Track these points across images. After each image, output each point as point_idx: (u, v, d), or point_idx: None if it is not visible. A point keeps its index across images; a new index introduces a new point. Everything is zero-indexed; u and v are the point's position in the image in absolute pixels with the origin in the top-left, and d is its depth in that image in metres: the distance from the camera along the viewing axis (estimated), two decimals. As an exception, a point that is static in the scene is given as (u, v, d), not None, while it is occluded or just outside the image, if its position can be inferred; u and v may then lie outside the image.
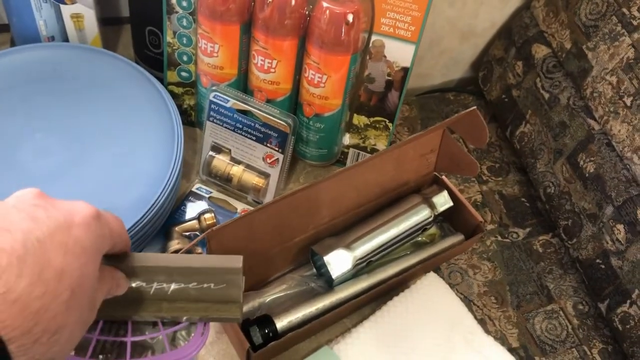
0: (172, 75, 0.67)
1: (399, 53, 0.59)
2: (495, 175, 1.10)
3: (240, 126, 0.61)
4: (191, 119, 0.71)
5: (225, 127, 0.62)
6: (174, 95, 0.68)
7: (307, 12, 0.57)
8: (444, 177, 0.63)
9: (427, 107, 1.19)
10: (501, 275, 0.97)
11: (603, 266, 0.89)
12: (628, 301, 0.85)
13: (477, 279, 0.96)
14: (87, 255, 0.29)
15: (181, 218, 0.63)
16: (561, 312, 0.93)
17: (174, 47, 0.65)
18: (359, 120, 0.66)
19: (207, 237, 0.47)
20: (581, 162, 0.94)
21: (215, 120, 0.62)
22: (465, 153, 0.60)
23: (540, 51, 1.06)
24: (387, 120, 0.65)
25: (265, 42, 0.57)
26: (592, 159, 0.93)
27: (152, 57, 0.70)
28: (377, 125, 0.66)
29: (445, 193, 0.61)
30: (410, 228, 0.59)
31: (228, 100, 0.60)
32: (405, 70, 0.61)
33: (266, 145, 0.61)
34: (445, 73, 1.24)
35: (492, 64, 1.16)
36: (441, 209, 0.61)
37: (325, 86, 0.59)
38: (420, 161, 0.61)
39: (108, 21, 0.78)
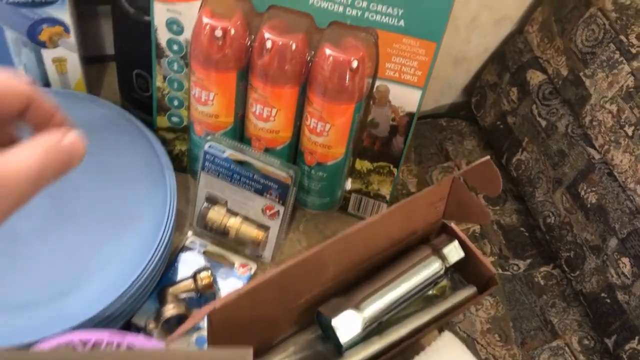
0: (162, 121, 0.64)
1: (405, 98, 0.56)
2: (493, 204, 1.07)
3: (238, 177, 0.57)
4: (183, 165, 0.67)
5: (221, 178, 0.58)
6: (164, 141, 0.64)
7: (308, 58, 0.53)
8: (453, 225, 0.60)
9: (420, 134, 1.17)
10: (504, 311, 0.94)
11: (609, 300, 0.87)
12: (637, 337, 0.83)
13: (479, 316, 0.94)
14: None
15: (174, 276, 0.59)
16: (567, 349, 0.90)
17: (164, 92, 0.61)
18: (362, 165, 0.63)
19: (209, 315, 0.43)
20: (582, 192, 0.92)
21: (210, 171, 0.58)
22: (476, 201, 0.57)
23: (535, 77, 1.04)
24: (392, 165, 0.62)
25: (264, 90, 0.54)
26: (593, 189, 0.91)
27: (140, 100, 0.66)
28: (381, 171, 0.62)
29: (455, 243, 0.58)
30: (422, 283, 0.56)
31: (224, 151, 0.56)
32: (411, 116, 0.57)
33: (266, 197, 0.57)
34: (438, 98, 1.22)
35: (485, 89, 1.14)
36: (452, 260, 0.57)
37: (329, 135, 0.56)
38: (428, 209, 0.58)
39: (91, 60, 0.74)
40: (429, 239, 0.61)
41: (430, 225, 0.60)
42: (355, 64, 0.52)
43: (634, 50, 0.88)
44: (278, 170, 0.56)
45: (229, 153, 0.56)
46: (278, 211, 0.58)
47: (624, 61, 0.89)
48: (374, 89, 0.57)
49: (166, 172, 0.58)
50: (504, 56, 1.12)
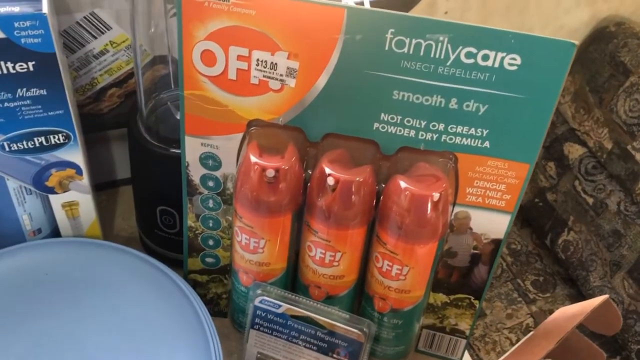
0: (194, 263, 0.54)
1: (489, 224, 0.48)
2: (542, 291, 0.98)
3: (297, 335, 0.47)
4: (219, 309, 0.57)
5: (276, 336, 0.48)
6: (197, 284, 0.54)
7: (377, 189, 0.45)
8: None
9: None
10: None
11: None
12: None
13: None
14: None
15: None
16: None
17: (197, 232, 0.52)
18: (435, 298, 0.53)
19: None
20: (647, 278, 0.83)
21: (262, 329, 0.48)
22: (588, 343, 0.48)
23: (574, 151, 0.97)
24: (472, 297, 0.52)
25: (326, 234, 0.45)
26: (661, 274, 0.82)
27: (164, 238, 0.57)
28: (460, 304, 0.53)
29: (563, 391, 0.48)
30: None
31: (280, 306, 0.47)
32: (497, 243, 0.49)
33: (332, 357, 0.47)
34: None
35: (517, 164, 1.06)
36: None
37: (406, 279, 0.46)
38: (532, 351, 0.48)
39: (101, 186, 0.65)
40: (524, 382, 0.52)
41: (527, 367, 0.51)
42: (437, 196, 0.43)
43: (688, 121, 0.81)
44: (347, 325, 0.46)
45: (285, 308, 0.47)
46: (348, 372, 0.48)
47: (679, 133, 0.82)
48: (452, 217, 0.48)
49: (209, 331, 0.48)
50: (534, 128, 1.06)
